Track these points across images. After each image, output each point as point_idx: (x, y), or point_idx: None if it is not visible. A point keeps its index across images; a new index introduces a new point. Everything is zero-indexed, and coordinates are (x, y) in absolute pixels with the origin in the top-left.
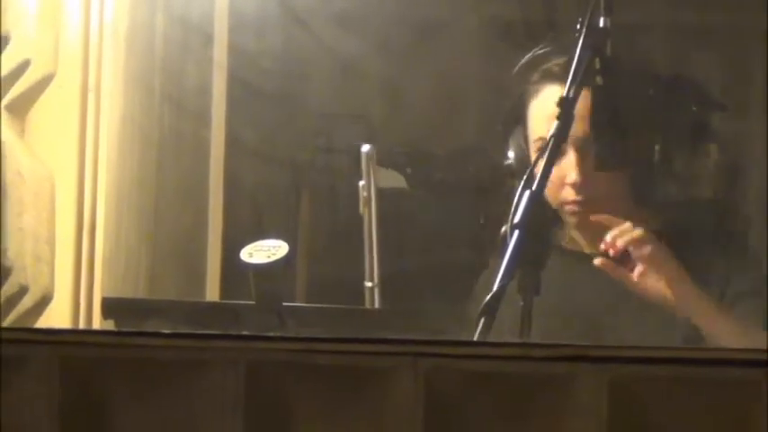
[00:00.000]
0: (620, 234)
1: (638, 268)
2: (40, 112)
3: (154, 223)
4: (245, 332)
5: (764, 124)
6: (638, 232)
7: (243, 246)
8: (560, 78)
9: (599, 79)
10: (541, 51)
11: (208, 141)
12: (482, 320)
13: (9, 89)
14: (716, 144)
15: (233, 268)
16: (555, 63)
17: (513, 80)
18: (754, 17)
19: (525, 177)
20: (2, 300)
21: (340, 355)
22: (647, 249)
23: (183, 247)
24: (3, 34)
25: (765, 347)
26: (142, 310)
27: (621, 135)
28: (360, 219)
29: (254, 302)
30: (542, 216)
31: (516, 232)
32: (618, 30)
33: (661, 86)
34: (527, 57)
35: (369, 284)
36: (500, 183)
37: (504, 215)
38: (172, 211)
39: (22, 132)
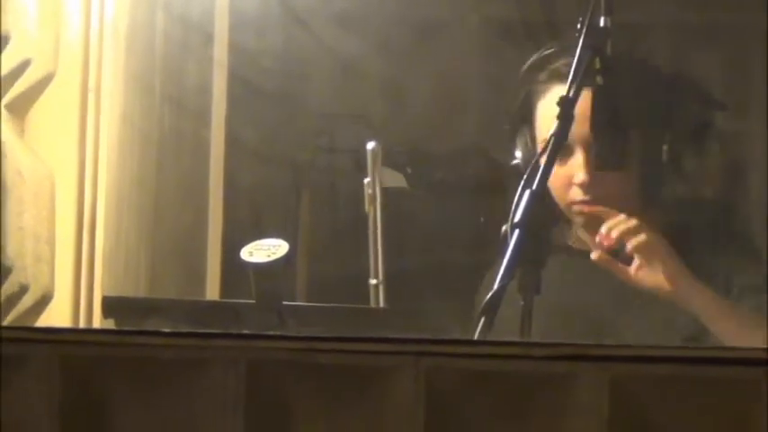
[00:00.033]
0: (615, 225)
1: (636, 262)
2: (40, 111)
3: (154, 222)
4: (245, 331)
5: (765, 124)
6: (632, 222)
7: (243, 245)
8: (568, 78)
9: (599, 79)
10: (548, 51)
11: (208, 141)
12: (482, 320)
13: (9, 88)
14: (718, 143)
15: (233, 267)
16: (563, 63)
17: (520, 80)
18: (755, 16)
19: (526, 176)
20: (2, 299)
21: (341, 355)
22: (641, 238)
23: (183, 246)
24: (3, 34)
25: (765, 347)
26: (142, 308)
27: (622, 135)
28: (359, 218)
29: (254, 301)
30: (543, 215)
31: (516, 231)
32: (619, 29)
33: (661, 86)
34: (534, 57)
35: (373, 282)
36: (507, 182)
37: (504, 214)
38: (172, 210)
39: (22, 132)
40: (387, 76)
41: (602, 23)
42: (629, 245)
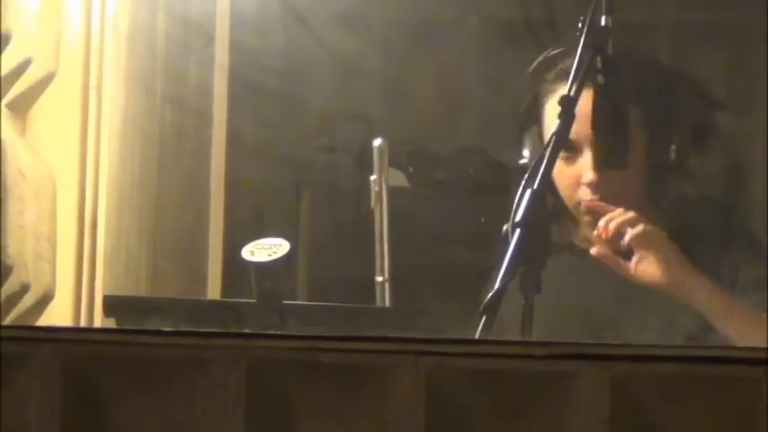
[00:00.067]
0: (613, 218)
1: (635, 256)
2: (41, 110)
3: (155, 221)
4: (246, 330)
5: (766, 124)
6: (630, 214)
7: (244, 244)
8: None
9: (600, 78)
10: (556, 51)
11: (209, 140)
12: (483, 319)
13: (10, 88)
14: (719, 143)
15: (234, 266)
16: (570, 63)
17: (528, 80)
18: (756, 16)
19: (527, 176)
20: (3, 298)
21: (341, 354)
22: (639, 229)
23: (184, 245)
24: (4, 33)
25: (766, 346)
26: (143, 308)
27: (624, 134)
28: (360, 217)
29: (255, 301)
30: (544, 215)
31: (517, 231)
32: (620, 29)
33: (662, 85)
34: (541, 57)
35: (379, 279)
36: (507, 182)
37: (505, 214)
38: (173, 209)
39: (23, 131)
40: (387, 75)
41: (603, 23)
42: (628, 236)
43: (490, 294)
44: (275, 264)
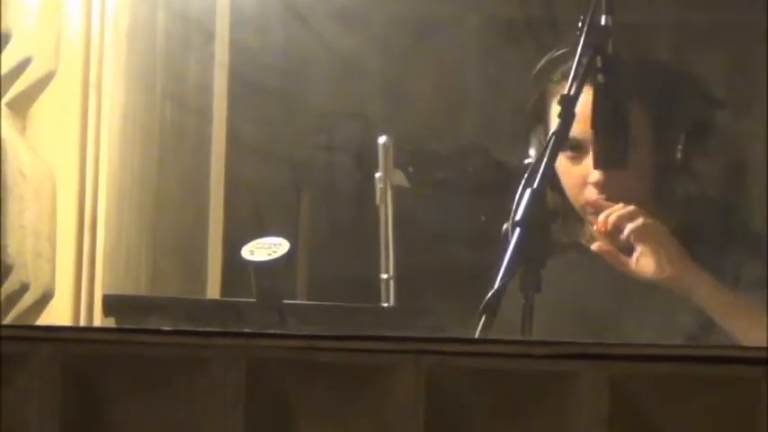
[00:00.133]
0: (612, 212)
1: (636, 252)
2: (41, 109)
3: (155, 220)
4: (246, 330)
5: (766, 123)
6: (629, 208)
7: (244, 243)
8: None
9: (600, 77)
10: (561, 51)
11: (209, 138)
12: (483, 318)
13: (10, 86)
14: (721, 142)
15: (234, 266)
16: None
17: (533, 79)
18: (756, 16)
19: (527, 175)
20: (3, 297)
21: (341, 353)
22: (638, 222)
23: (184, 244)
24: (4, 31)
25: (766, 345)
26: (143, 307)
27: (624, 133)
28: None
29: (254, 300)
30: (543, 214)
31: (517, 230)
32: (620, 28)
33: (663, 84)
34: (547, 57)
35: (384, 276)
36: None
37: (505, 213)
38: (173, 208)
39: (23, 130)
40: (387, 74)
41: (603, 22)
42: (627, 230)
43: (490, 294)
44: (275, 263)
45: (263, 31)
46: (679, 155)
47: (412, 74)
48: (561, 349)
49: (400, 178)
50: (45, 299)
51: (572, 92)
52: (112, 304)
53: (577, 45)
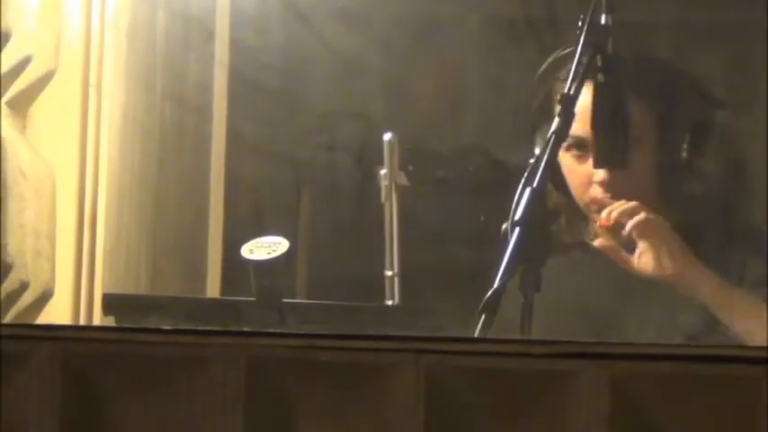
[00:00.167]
0: (615, 208)
1: (638, 248)
2: (41, 108)
3: (155, 219)
4: (245, 328)
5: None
6: (631, 204)
7: (243, 242)
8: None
9: (600, 77)
10: (567, 51)
11: (209, 137)
12: (482, 317)
13: (10, 86)
14: (722, 141)
15: (234, 265)
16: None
17: (539, 79)
18: (756, 15)
19: (526, 174)
20: (2, 296)
21: (341, 352)
22: (640, 217)
23: (183, 243)
24: (4, 30)
25: (766, 345)
26: (143, 306)
27: (624, 132)
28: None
29: (254, 299)
30: (543, 213)
31: (517, 229)
32: (620, 27)
33: (664, 83)
34: (552, 56)
35: (389, 273)
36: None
37: (505, 213)
38: (173, 207)
39: (23, 129)
40: (388, 73)
41: (603, 21)
42: (629, 225)
43: (489, 293)
44: (275, 262)
45: (263, 31)
46: (684, 154)
47: (413, 73)
48: (561, 348)
49: (400, 177)
50: (45, 297)
51: (572, 91)
52: (112, 303)
53: (577, 44)
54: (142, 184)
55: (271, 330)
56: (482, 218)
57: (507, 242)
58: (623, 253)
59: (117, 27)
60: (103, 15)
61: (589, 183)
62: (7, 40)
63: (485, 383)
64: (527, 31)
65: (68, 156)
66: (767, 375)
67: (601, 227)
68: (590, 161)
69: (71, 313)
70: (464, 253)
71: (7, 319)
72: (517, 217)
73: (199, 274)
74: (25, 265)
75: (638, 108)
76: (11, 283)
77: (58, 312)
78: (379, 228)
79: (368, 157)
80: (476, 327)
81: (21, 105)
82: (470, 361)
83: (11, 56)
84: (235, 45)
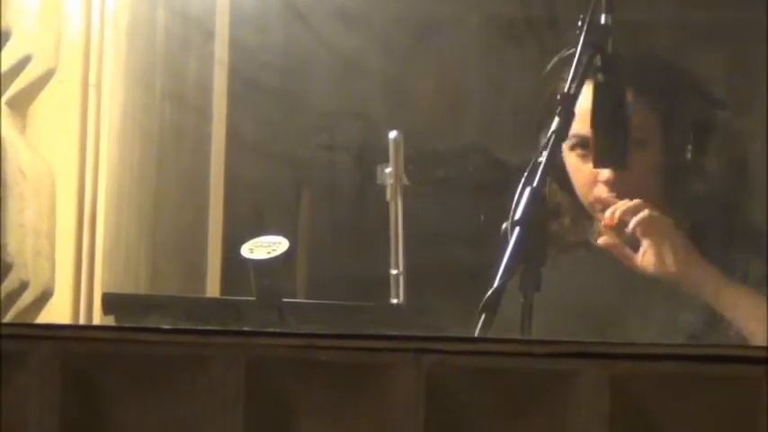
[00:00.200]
0: (618, 207)
1: (642, 247)
2: (40, 107)
3: (154, 219)
4: (245, 328)
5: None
6: (634, 202)
7: (243, 242)
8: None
9: (600, 76)
10: (571, 51)
11: (209, 137)
12: (482, 317)
13: (10, 85)
14: (720, 141)
15: (233, 264)
16: None
17: (544, 78)
18: (756, 15)
19: (526, 173)
20: (2, 295)
21: (341, 352)
22: (644, 214)
23: (183, 242)
24: (3, 29)
25: (766, 345)
26: (143, 305)
27: (623, 132)
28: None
29: (254, 298)
30: (543, 212)
31: (517, 229)
32: (620, 27)
33: (666, 83)
34: (557, 57)
35: (394, 272)
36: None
37: (505, 212)
38: (173, 206)
39: (22, 128)
40: (388, 73)
41: (602, 21)
42: (632, 223)
43: (489, 292)
44: (274, 261)
45: (263, 30)
46: (688, 154)
47: (413, 73)
48: (561, 348)
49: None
50: (44, 297)
51: (572, 90)
52: (112, 303)
53: (577, 44)
54: (142, 183)
55: (271, 330)
56: (482, 218)
57: (507, 242)
58: (627, 250)
59: (117, 26)
60: (103, 14)
61: (594, 182)
62: (7, 40)
63: (485, 383)
64: (527, 30)
65: (68, 155)
66: (767, 375)
67: (605, 226)
68: None
69: (71, 313)
70: (464, 253)
71: (7, 318)
72: (517, 217)
73: (198, 273)
74: (25, 264)
75: (643, 109)
76: (11, 282)
77: (57, 312)
78: (379, 227)
79: (368, 156)
80: (476, 326)
81: (20, 105)
82: (471, 361)
83: (11, 55)
84: (234, 44)
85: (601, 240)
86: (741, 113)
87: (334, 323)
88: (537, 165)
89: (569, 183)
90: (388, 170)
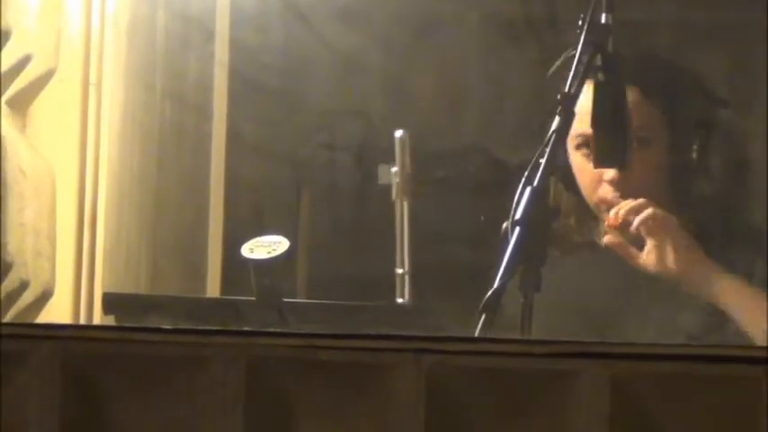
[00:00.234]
0: (622, 206)
1: (647, 246)
2: (41, 107)
3: (155, 219)
4: (245, 328)
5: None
6: (638, 201)
7: (244, 241)
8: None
9: (600, 76)
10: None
11: (209, 137)
12: (483, 317)
13: (10, 84)
14: (727, 141)
15: (234, 264)
16: None
17: (549, 78)
18: (757, 15)
19: (527, 173)
20: (2, 295)
21: (341, 352)
22: (648, 212)
23: (184, 242)
24: (4, 29)
25: (766, 345)
26: (143, 305)
27: (623, 132)
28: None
29: (254, 298)
30: (543, 212)
31: (517, 229)
32: (621, 26)
33: (669, 82)
34: (563, 56)
35: (399, 271)
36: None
37: (505, 212)
38: (173, 206)
39: (23, 127)
40: (388, 72)
41: (603, 20)
42: (636, 222)
43: (490, 292)
44: (275, 261)
45: (263, 30)
46: (694, 154)
47: (413, 72)
48: (562, 348)
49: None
50: (45, 297)
51: (572, 90)
52: (112, 302)
53: (578, 43)
54: (142, 183)
55: (271, 330)
56: (482, 217)
57: (507, 242)
58: (631, 249)
59: (117, 26)
60: (103, 14)
61: (599, 181)
62: (7, 39)
63: (485, 383)
64: (527, 30)
65: (68, 154)
66: (767, 375)
67: (609, 225)
68: None
69: (71, 312)
70: (464, 253)
71: (7, 318)
72: (517, 216)
73: (199, 273)
74: (25, 264)
75: (648, 108)
76: (11, 282)
77: (58, 311)
78: (380, 227)
79: (368, 156)
80: (476, 326)
81: (21, 104)
82: (471, 361)
83: (11, 54)
84: (235, 44)
85: (605, 239)
86: (741, 113)
87: (334, 323)
88: (537, 164)
89: (575, 183)
90: (394, 169)
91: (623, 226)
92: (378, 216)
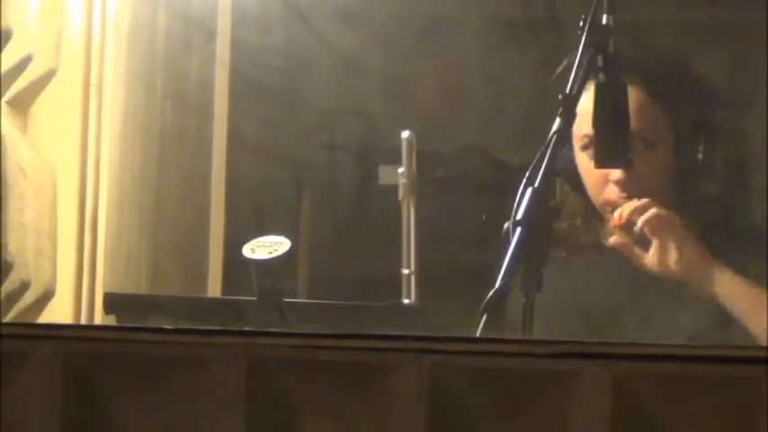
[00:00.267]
0: (627, 206)
1: (652, 246)
2: (41, 107)
3: (156, 219)
4: (246, 328)
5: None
6: (642, 200)
7: (245, 242)
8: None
9: (601, 76)
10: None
11: (210, 137)
12: (484, 317)
13: (11, 84)
14: (725, 140)
15: (235, 264)
16: None
17: (554, 79)
18: (757, 15)
19: (528, 174)
20: (3, 295)
21: (342, 351)
22: (652, 212)
23: (184, 242)
24: (5, 29)
25: (766, 345)
26: (144, 305)
27: (624, 132)
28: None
29: (255, 298)
30: (544, 212)
31: (518, 229)
32: (622, 27)
33: (674, 84)
34: (566, 59)
35: (406, 271)
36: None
37: (506, 212)
38: (174, 206)
39: (24, 128)
40: (389, 73)
41: (604, 21)
42: (640, 221)
43: (491, 293)
44: (276, 261)
45: (264, 30)
46: (700, 155)
47: (414, 72)
48: (563, 348)
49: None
50: (46, 297)
51: (573, 91)
52: (113, 302)
53: (579, 44)
54: (143, 183)
55: (272, 330)
56: (483, 218)
57: (509, 242)
58: (636, 249)
59: (118, 26)
60: (104, 15)
61: (605, 182)
62: (8, 40)
63: (486, 383)
64: (528, 31)
65: (69, 155)
66: (767, 375)
67: (614, 226)
68: None
69: (72, 313)
70: (465, 253)
71: (8, 318)
72: (519, 216)
73: (200, 273)
74: (26, 264)
75: (654, 110)
76: (12, 282)
77: (59, 312)
78: (381, 227)
79: (369, 156)
80: (477, 327)
81: (21, 104)
82: (472, 361)
83: (12, 55)
84: (236, 45)
85: (611, 240)
86: (741, 113)
87: (335, 323)
88: (538, 165)
89: (581, 184)
90: (400, 170)
91: (628, 226)
92: (378, 216)
